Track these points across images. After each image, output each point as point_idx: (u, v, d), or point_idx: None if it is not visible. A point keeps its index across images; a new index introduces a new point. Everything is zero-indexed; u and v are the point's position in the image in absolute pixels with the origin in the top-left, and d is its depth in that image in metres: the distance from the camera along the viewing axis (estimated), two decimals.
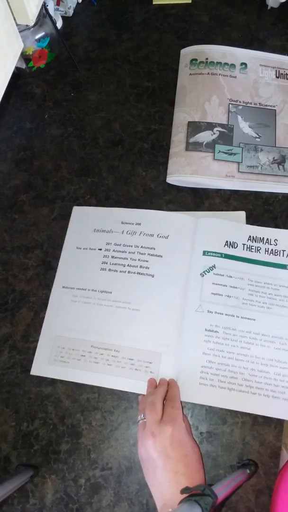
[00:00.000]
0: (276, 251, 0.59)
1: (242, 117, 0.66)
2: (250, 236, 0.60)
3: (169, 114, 0.69)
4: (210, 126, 0.65)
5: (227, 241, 0.60)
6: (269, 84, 0.69)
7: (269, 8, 0.75)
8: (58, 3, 0.76)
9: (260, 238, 0.60)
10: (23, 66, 0.74)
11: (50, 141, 0.70)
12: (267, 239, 0.60)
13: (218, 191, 0.64)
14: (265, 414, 0.51)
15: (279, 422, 0.52)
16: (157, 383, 0.53)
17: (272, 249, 0.59)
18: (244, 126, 0.66)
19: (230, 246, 0.59)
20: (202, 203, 0.63)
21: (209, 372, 0.53)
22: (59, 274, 0.61)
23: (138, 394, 0.54)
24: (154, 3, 0.78)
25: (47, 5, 0.70)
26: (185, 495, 0.40)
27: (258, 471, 0.50)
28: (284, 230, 0.61)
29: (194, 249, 0.59)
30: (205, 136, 0.65)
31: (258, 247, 0.59)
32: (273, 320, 0.55)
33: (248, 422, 0.52)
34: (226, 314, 0.55)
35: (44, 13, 0.70)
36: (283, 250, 0.59)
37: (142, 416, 0.48)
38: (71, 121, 0.71)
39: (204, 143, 0.64)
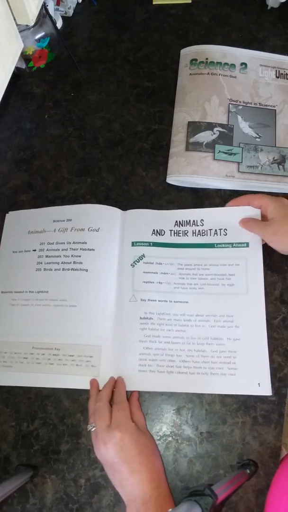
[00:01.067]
0: (203, 231, 0.60)
1: (242, 117, 0.66)
2: (176, 221, 0.61)
3: (169, 114, 0.69)
4: (210, 126, 0.65)
5: (154, 230, 0.61)
6: (269, 84, 0.69)
7: (269, 8, 0.75)
8: (58, 3, 0.76)
9: (186, 221, 0.61)
10: (23, 66, 0.74)
11: (50, 141, 0.70)
12: (194, 221, 0.61)
13: (218, 191, 0.64)
14: (205, 391, 0.53)
15: (279, 422, 0.52)
16: (105, 382, 0.53)
17: (199, 230, 0.60)
18: (244, 126, 0.66)
19: (158, 234, 0.60)
20: (202, 203, 0.63)
21: (147, 358, 0.54)
22: None
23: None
24: (154, 3, 0.78)
25: (47, 5, 0.70)
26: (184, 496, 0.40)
27: (258, 471, 0.50)
28: (208, 208, 0.62)
29: (123, 241, 0.60)
30: (205, 136, 0.65)
31: (185, 230, 0.60)
32: (205, 299, 0.56)
33: (248, 422, 0.52)
34: (159, 301, 0.57)
35: (44, 13, 0.70)
36: (210, 229, 0.60)
37: (93, 424, 0.49)
38: (71, 121, 0.71)
39: (204, 143, 0.64)
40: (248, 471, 0.48)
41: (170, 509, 0.41)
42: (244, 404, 0.53)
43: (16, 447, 0.54)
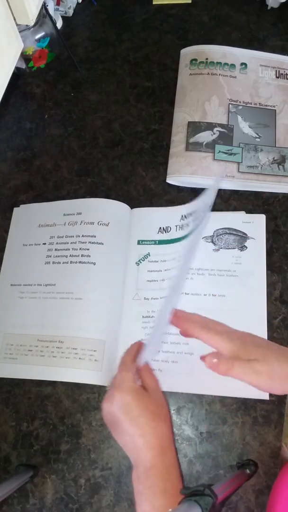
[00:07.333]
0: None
1: (242, 117, 0.66)
2: (182, 216, 0.61)
3: (169, 114, 0.69)
4: (210, 126, 0.65)
5: (160, 227, 0.61)
6: (269, 84, 0.69)
7: (269, 8, 0.75)
8: (58, 3, 0.76)
9: (191, 213, 0.60)
10: (23, 66, 0.74)
11: (50, 141, 0.70)
12: None
13: (218, 191, 0.64)
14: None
15: (279, 422, 0.52)
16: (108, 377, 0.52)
17: None
18: (244, 126, 0.66)
19: (164, 232, 0.60)
20: None
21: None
22: (6, 273, 0.62)
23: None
24: (154, 3, 0.78)
25: (47, 5, 0.70)
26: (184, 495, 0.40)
27: (258, 471, 0.50)
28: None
29: (130, 239, 0.61)
30: (205, 136, 0.65)
31: (189, 223, 0.59)
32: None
33: (248, 422, 0.52)
34: (161, 298, 0.56)
35: (44, 13, 0.70)
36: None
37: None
38: (71, 121, 0.71)
39: (204, 143, 0.64)
40: (248, 471, 0.48)
41: (170, 509, 0.41)
42: (244, 404, 0.53)
43: (16, 447, 0.54)
